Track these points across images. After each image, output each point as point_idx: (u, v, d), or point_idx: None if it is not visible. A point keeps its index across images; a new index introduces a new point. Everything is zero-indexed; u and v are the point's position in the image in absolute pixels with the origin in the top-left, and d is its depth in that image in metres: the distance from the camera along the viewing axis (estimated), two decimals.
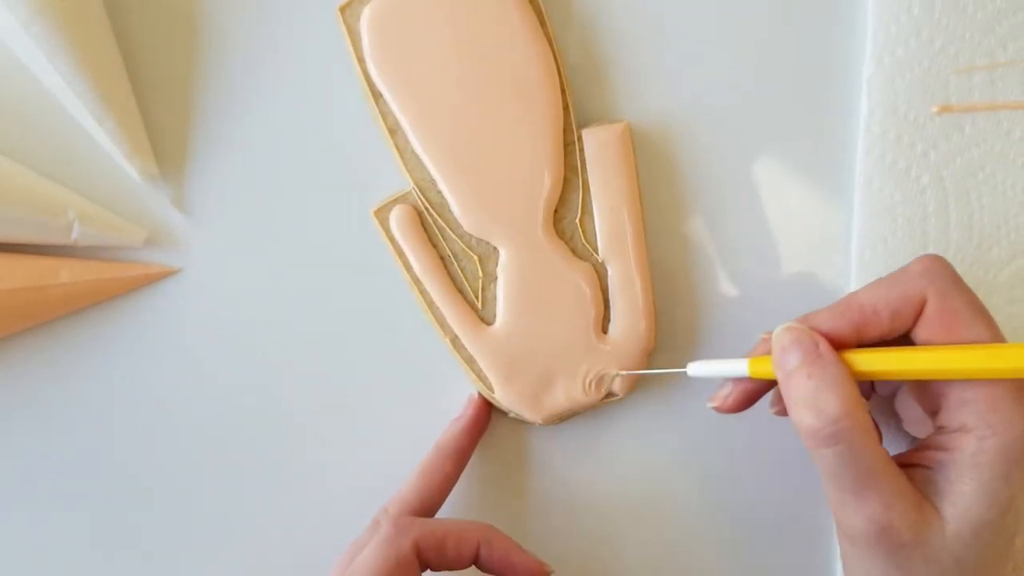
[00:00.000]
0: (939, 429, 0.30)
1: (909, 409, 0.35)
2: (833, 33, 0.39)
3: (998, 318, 0.38)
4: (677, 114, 0.39)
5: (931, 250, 0.38)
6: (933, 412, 0.31)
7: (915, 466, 0.30)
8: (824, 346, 0.29)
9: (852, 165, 0.39)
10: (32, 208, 0.36)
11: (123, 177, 0.37)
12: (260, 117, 0.38)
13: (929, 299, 0.29)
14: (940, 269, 0.30)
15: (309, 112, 0.38)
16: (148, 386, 0.38)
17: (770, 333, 0.31)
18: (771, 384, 0.33)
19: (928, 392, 0.31)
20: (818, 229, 0.39)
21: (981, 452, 0.28)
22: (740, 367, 0.32)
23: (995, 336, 0.29)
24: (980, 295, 0.38)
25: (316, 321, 0.38)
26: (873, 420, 0.30)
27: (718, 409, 0.33)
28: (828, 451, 0.29)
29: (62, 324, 0.37)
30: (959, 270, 0.38)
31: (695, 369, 0.33)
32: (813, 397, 0.29)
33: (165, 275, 0.38)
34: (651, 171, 0.39)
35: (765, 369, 0.31)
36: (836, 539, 0.32)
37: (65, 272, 0.36)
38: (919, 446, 0.31)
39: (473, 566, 0.34)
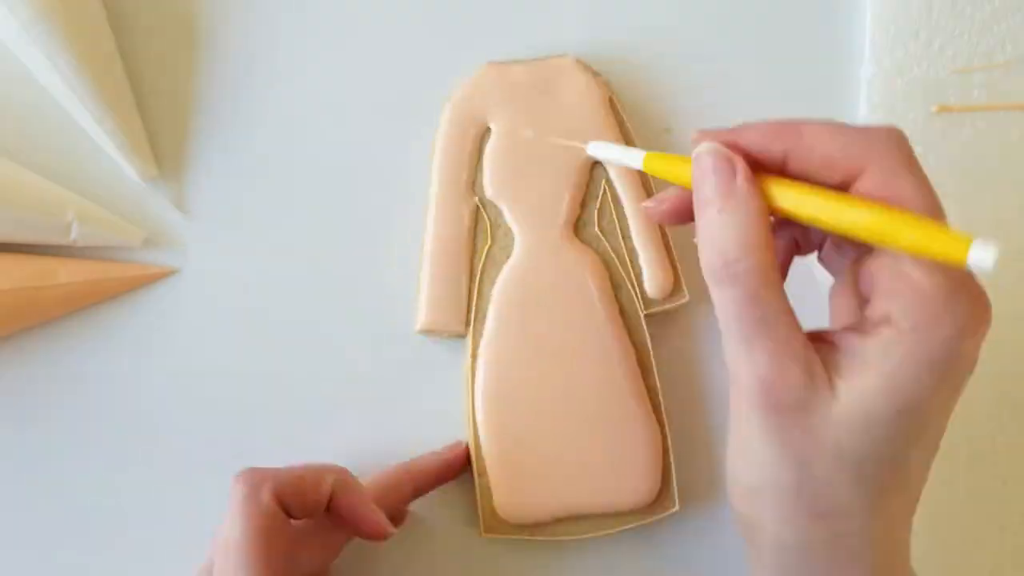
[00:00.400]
0: (862, 317, 0.28)
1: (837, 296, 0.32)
2: (832, 35, 0.39)
3: (1002, 316, 0.38)
4: (675, 116, 0.39)
5: None
6: (863, 303, 0.28)
7: (824, 342, 0.28)
8: (742, 177, 0.27)
9: None
10: (31, 208, 0.36)
11: (122, 177, 0.38)
12: (259, 118, 0.38)
13: (873, 165, 0.27)
14: (899, 141, 0.27)
15: (308, 113, 0.38)
16: (146, 386, 0.38)
17: (699, 132, 0.29)
18: None
19: (862, 279, 0.28)
20: None
21: (897, 345, 0.26)
22: (636, 158, 0.31)
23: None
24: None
25: (314, 322, 0.38)
26: (779, 269, 0.28)
27: (648, 212, 0.31)
28: (724, 291, 0.27)
29: (61, 324, 0.38)
30: None
31: (594, 149, 0.33)
32: (718, 234, 0.27)
33: (164, 275, 0.38)
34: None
35: (660, 168, 0.30)
36: None
37: (64, 272, 0.37)
38: (835, 327, 0.29)
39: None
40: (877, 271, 0.27)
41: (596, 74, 0.38)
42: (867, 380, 0.26)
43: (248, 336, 0.38)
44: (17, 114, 0.37)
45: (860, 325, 0.27)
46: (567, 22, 0.39)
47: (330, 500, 0.32)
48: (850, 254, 0.30)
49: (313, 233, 0.38)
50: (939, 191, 0.36)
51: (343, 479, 0.33)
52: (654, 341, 0.37)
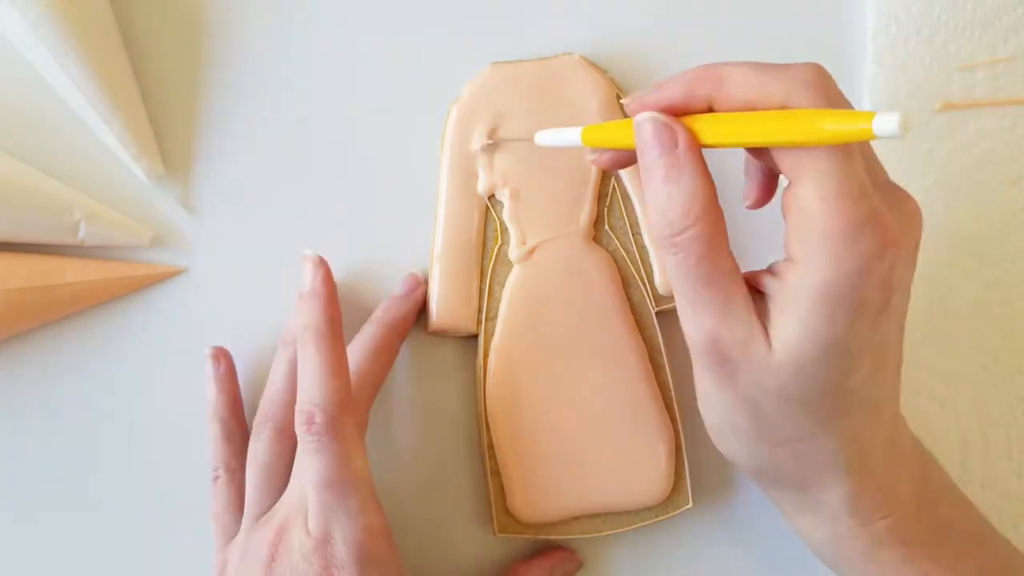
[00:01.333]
0: (780, 260, 0.29)
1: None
2: (834, 34, 0.39)
3: (1011, 311, 0.38)
4: None
5: (943, 252, 0.38)
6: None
7: (756, 290, 0.29)
8: (684, 144, 0.28)
9: None
10: (39, 208, 0.36)
11: (130, 177, 0.38)
12: (266, 118, 0.38)
13: (792, 103, 0.27)
14: (816, 77, 0.27)
15: (315, 113, 0.38)
16: (154, 385, 0.38)
17: (628, 100, 0.29)
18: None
19: (784, 213, 0.28)
20: None
21: (804, 287, 0.27)
22: (575, 134, 0.32)
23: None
24: (994, 293, 0.38)
25: None
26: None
27: (592, 162, 0.32)
28: (671, 257, 0.28)
29: (68, 323, 0.37)
30: (970, 267, 0.38)
31: (541, 138, 0.34)
32: (665, 202, 0.28)
33: (171, 275, 0.38)
34: None
35: (598, 137, 0.31)
36: None
37: (71, 271, 0.36)
38: (764, 270, 0.30)
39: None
40: (787, 208, 0.28)
41: (603, 71, 0.38)
42: (789, 327, 0.28)
43: (255, 335, 0.38)
44: (25, 114, 0.37)
45: (778, 267, 0.29)
46: (572, 21, 0.39)
47: None
48: (757, 179, 0.32)
49: (321, 233, 0.38)
50: (945, 189, 0.36)
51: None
52: (665, 337, 0.37)
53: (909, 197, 0.29)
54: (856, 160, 0.27)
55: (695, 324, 0.29)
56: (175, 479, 0.37)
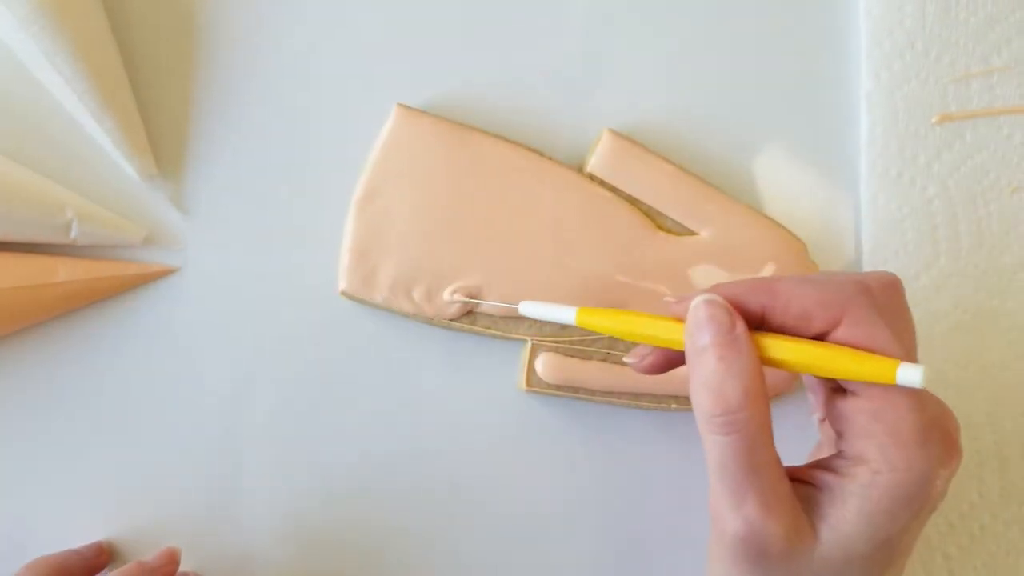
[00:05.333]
0: (838, 453, 0.29)
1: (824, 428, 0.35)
2: (828, 51, 0.39)
3: (1018, 320, 0.39)
4: (676, 131, 0.39)
5: (942, 261, 0.38)
6: (839, 433, 0.30)
7: (803, 482, 0.30)
8: (741, 328, 0.28)
9: (855, 182, 0.39)
10: (31, 207, 0.36)
11: (122, 176, 0.37)
12: (259, 116, 0.38)
13: (848, 316, 0.28)
14: (868, 290, 0.29)
15: (308, 111, 0.38)
16: (146, 385, 0.38)
17: (674, 299, 0.30)
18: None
19: (835, 415, 0.30)
20: (825, 249, 0.39)
21: (873, 486, 0.28)
22: (568, 314, 0.32)
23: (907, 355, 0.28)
24: (996, 301, 0.39)
25: (316, 320, 0.38)
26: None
27: (634, 367, 0.32)
28: (719, 438, 0.28)
29: (60, 323, 0.37)
30: (972, 276, 0.38)
31: (526, 308, 0.33)
32: (719, 381, 0.28)
33: (164, 274, 0.38)
34: None
35: (594, 322, 0.31)
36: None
37: (64, 271, 0.36)
38: (812, 464, 0.30)
39: None
40: (852, 412, 0.28)
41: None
42: (847, 524, 0.28)
43: (248, 334, 0.38)
44: (16, 112, 0.37)
45: (835, 464, 0.29)
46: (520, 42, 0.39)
47: None
48: (820, 393, 0.31)
49: (311, 231, 0.38)
50: (946, 200, 0.37)
51: None
52: None
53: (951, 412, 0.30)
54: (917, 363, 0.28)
55: (738, 515, 0.28)
56: (168, 478, 0.38)
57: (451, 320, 0.37)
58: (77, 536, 0.37)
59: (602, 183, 0.38)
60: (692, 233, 0.38)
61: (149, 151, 0.37)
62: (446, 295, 0.37)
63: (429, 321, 0.38)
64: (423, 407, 0.39)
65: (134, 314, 0.38)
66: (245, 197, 0.38)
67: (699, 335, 0.28)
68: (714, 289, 0.29)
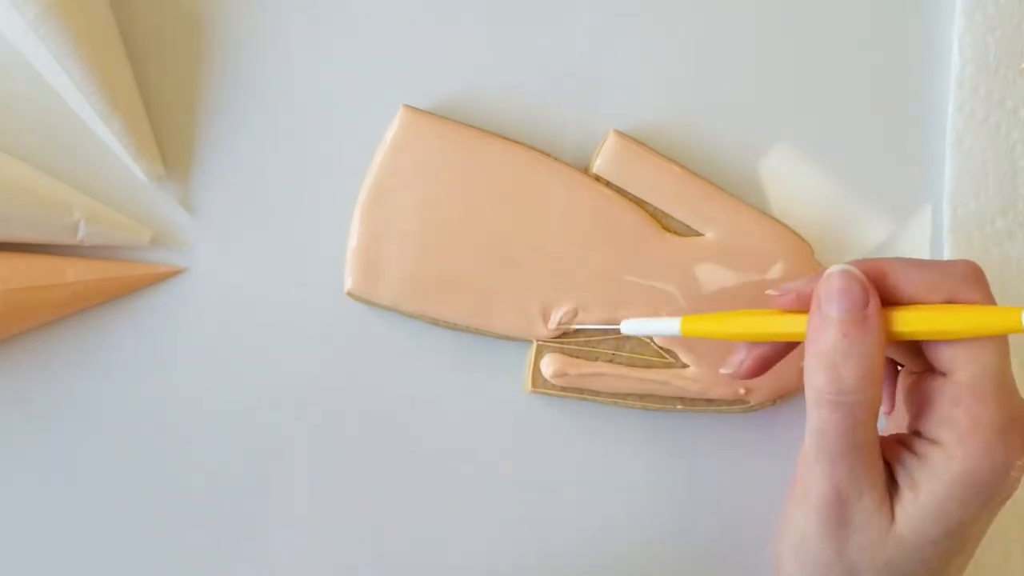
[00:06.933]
0: (915, 432, 0.30)
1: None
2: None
3: None
4: (685, 132, 0.39)
5: (1020, 206, 0.38)
6: (916, 414, 0.30)
7: (884, 458, 0.30)
8: (874, 306, 0.28)
9: (942, 123, 0.39)
10: (38, 208, 0.36)
11: (129, 177, 0.38)
12: (266, 117, 0.38)
13: (959, 299, 0.28)
14: (977, 275, 0.29)
15: (315, 113, 0.38)
16: (153, 386, 0.38)
17: (776, 292, 0.30)
18: (788, 347, 0.32)
19: (916, 398, 0.30)
20: (903, 191, 0.40)
21: (948, 471, 0.28)
22: (672, 325, 0.32)
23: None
24: None
25: (323, 320, 0.38)
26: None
27: (733, 376, 0.32)
28: (824, 413, 0.28)
29: (67, 324, 0.38)
30: None
31: (628, 327, 0.33)
32: (838, 360, 0.27)
33: (171, 275, 0.38)
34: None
35: (698, 328, 0.31)
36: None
37: (71, 271, 0.36)
38: (893, 438, 0.30)
39: None
40: (936, 396, 0.29)
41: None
42: (919, 507, 0.28)
43: (256, 335, 0.38)
44: (24, 114, 0.37)
45: (914, 443, 0.29)
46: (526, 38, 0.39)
47: None
48: (891, 380, 0.32)
49: (319, 232, 0.38)
50: None
51: None
52: None
53: None
54: (1009, 359, 0.28)
55: (827, 480, 0.29)
56: (175, 479, 0.38)
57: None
58: (76, 536, 0.37)
59: (607, 184, 0.38)
60: (698, 234, 0.38)
61: (157, 152, 0.38)
62: (552, 322, 0.37)
63: (434, 322, 0.38)
64: (428, 408, 0.39)
65: (141, 314, 0.38)
66: (252, 198, 0.38)
67: (828, 305, 0.28)
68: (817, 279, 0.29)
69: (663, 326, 0.32)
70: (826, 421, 0.28)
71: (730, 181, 0.39)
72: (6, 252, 0.36)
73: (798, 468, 0.30)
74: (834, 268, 0.28)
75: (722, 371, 0.33)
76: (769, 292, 0.31)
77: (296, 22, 0.38)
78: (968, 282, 0.28)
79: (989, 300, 0.29)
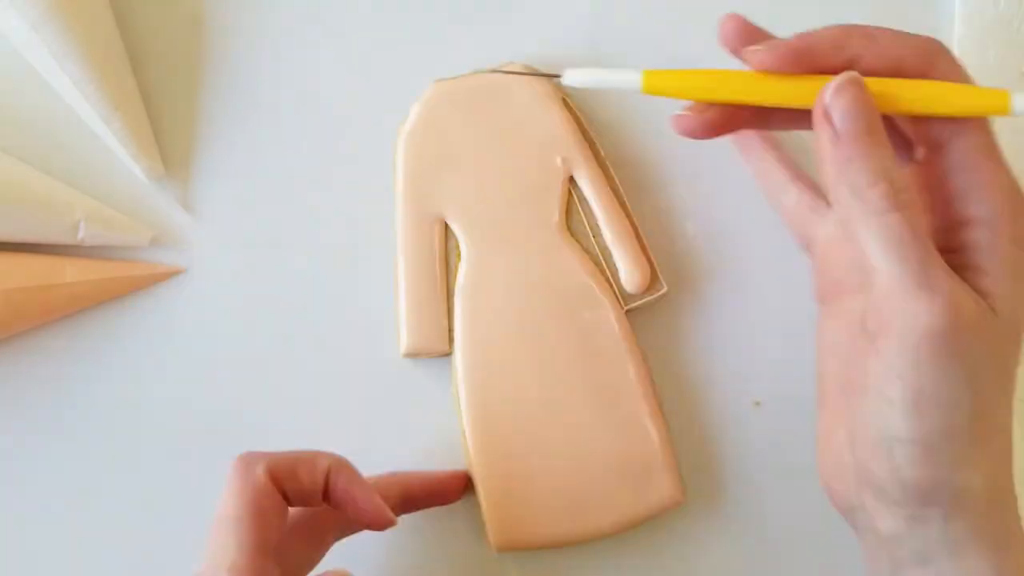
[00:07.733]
0: (951, 231, 0.29)
1: None
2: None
3: None
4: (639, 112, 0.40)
5: None
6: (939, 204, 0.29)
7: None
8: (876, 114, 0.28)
9: None
10: (39, 207, 0.36)
11: (129, 177, 0.38)
12: (266, 118, 0.38)
13: (935, 69, 0.28)
14: (944, 47, 0.29)
15: (314, 114, 0.39)
16: (153, 386, 0.38)
17: (763, 47, 0.28)
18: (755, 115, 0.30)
19: (940, 176, 0.29)
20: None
21: (1000, 242, 0.28)
22: (631, 79, 0.28)
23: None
24: None
25: (322, 322, 0.38)
26: None
27: (679, 125, 0.30)
28: (892, 216, 0.26)
29: (68, 323, 0.38)
30: None
31: (571, 77, 0.29)
32: (886, 163, 0.27)
33: (171, 275, 0.38)
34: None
35: (664, 86, 0.28)
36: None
37: (71, 271, 0.37)
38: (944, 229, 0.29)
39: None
40: (951, 170, 0.29)
41: (550, 76, 0.36)
42: (1001, 287, 0.27)
43: (255, 335, 0.38)
44: (25, 114, 0.37)
45: (954, 239, 0.29)
46: (516, 32, 0.39)
47: (327, 488, 0.31)
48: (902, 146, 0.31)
49: (320, 232, 0.38)
50: None
51: (340, 462, 0.32)
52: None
53: None
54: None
55: (931, 293, 0.26)
56: (175, 479, 0.38)
57: None
58: (77, 536, 0.38)
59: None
60: None
61: (157, 152, 0.38)
62: None
63: None
64: (425, 410, 0.39)
65: (141, 314, 0.38)
66: (252, 198, 0.38)
67: (855, 119, 0.27)
68: (806, 39, 0.28)
69: (615, 77, 0.28)
70: (898, 223, 0.26)
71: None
72: (6, 252, 0.36)
73: (878, 320, 0.27)
74: (844, 77, 0.28)
75: (678, 114, 0.30)
76: (752, 48, 0.29)
77: (296, 22, 0.39)
78: (944, 53, 0.29)
79: (965, 72, 0.29)
